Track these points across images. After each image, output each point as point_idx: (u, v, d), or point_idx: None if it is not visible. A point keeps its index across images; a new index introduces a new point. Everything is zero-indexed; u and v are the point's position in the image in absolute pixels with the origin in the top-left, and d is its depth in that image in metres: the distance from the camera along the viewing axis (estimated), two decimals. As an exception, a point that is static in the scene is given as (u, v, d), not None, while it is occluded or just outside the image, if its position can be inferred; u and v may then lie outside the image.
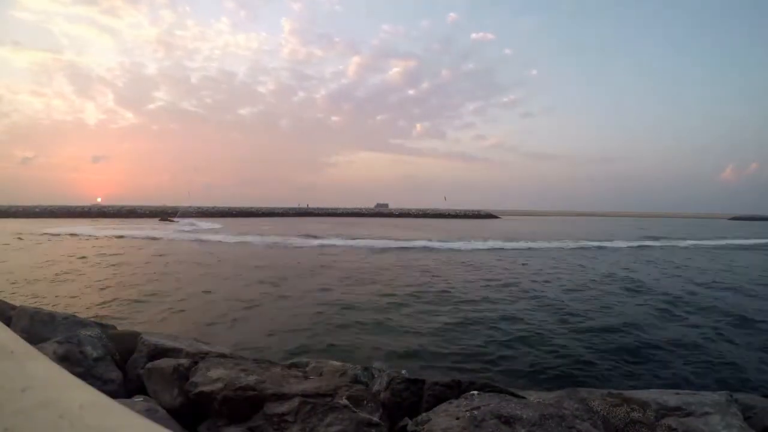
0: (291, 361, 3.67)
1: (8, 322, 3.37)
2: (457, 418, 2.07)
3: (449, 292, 11.46)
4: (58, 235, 30.93)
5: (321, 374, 3.11)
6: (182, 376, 2.63)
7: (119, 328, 4.08)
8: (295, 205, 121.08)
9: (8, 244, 23.56)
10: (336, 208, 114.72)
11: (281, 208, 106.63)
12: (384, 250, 23.01)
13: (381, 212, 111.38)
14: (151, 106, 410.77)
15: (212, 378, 2.47)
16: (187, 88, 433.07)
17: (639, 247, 27.56)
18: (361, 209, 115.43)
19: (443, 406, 2.31)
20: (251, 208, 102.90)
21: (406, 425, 2.31)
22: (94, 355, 2.86)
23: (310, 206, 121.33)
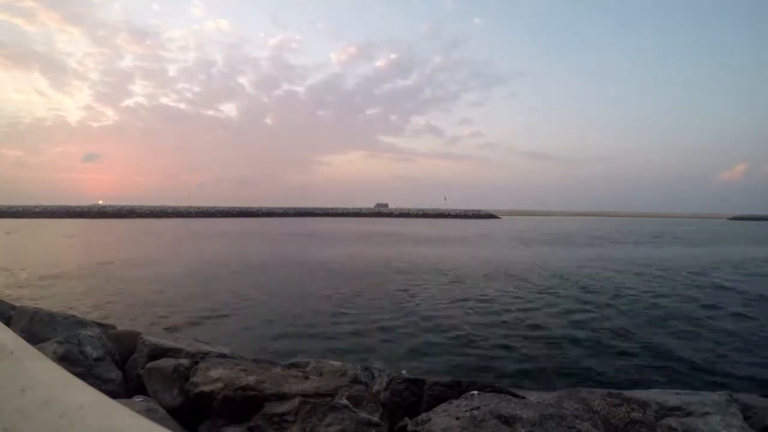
0: (291, 361, 3.67)
1: (8, 322, 3.37)
2: (457, 418, 2.07)
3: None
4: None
5: (321, 374, 3.11)
6: (182, 376, 2.63)
7: (119, 328, 4.08)
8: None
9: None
10: (335, 208, 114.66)
11: (280, 208, 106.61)
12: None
13: (381, 212, 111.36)
14: (130, 102, 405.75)
15: (212, 378, 2.47)
16: (164, 80, 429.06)
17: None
18: (360, 209, 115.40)
19: (443, 406, 2.31)
20: (250, 208, 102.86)
21: (406, 425, 2.31)
22: (94, 355, 2.86)
23: (307, 207, 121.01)
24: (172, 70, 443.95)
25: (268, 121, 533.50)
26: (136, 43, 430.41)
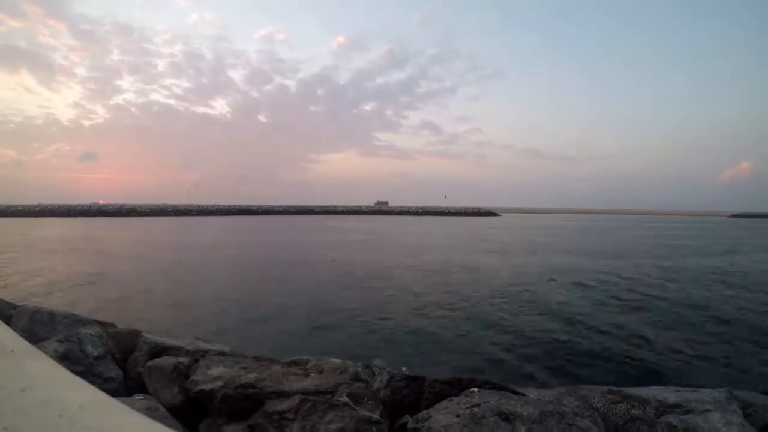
0: (291, 358, 3.67)
1: (8, 321, 3.37)
2: (458, 416, 2.07)
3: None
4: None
5: (321, 372, 3.11)
6: (182, 374, 2.63)
7: (120, 326, 4.08)
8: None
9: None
10: (336, 206, 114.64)
11: (280, 206, 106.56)
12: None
13: (381, 210, 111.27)
14: (120, 100, 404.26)
15: (212, 376, 2.47)
16: (152, 76, 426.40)
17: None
18: (361, 207, 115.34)
19: (443, 403, 2.32)
20: (250, 206, 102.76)
21: (407, 422, 2.32)
22: (95, 353, 2.86)
23: (307, 204, 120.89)
24: (160, 65, 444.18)
25: (262, 118, 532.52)
26: (120, 36, 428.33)
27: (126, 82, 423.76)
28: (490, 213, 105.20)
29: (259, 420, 2.20)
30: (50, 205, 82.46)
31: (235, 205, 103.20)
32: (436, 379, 2.74)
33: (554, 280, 13.23)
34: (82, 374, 2.11)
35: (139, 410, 0.81)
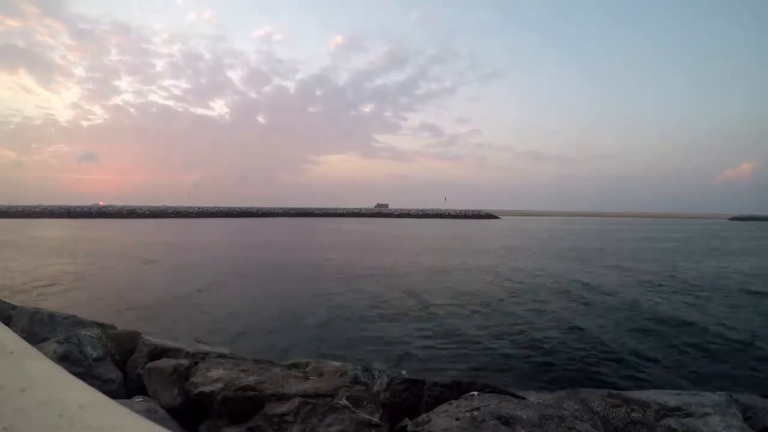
0: (291, 361, 3.66)
1: (8, 322, 3.37)
2: (457, 419, 2.07)
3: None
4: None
5: (321, 375, 3.11)
6: (182, 376, 2.63)
7: (119, 328, 4.08)
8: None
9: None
10: (335, 209, 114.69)
11: (280, 208, 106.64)
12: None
13: (381, 212, 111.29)
14: (118, 100, 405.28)
15: (212, 378, 2.47)
16: (151, 76, 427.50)
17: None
18: (361, 209, 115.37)
19: (443, 406, 2.31)
20: (250, 208, 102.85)
21: (406, 426, 2.31)
22: (94, 355, 2.86)
23: (307, 207, 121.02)
24: (158, 65, 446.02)
25: (261, 119, 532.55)
26: (118, 35, 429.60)
27: (124, 83, 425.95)
28: (490, 216, 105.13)
29: (259, 422, 2.19)
30: (50, 206, 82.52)
31: (235, 207, 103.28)
32: (435, 383, 2.74)
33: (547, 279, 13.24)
34: (81, 375, 2.11)
35: (138, 412, 0.82)
